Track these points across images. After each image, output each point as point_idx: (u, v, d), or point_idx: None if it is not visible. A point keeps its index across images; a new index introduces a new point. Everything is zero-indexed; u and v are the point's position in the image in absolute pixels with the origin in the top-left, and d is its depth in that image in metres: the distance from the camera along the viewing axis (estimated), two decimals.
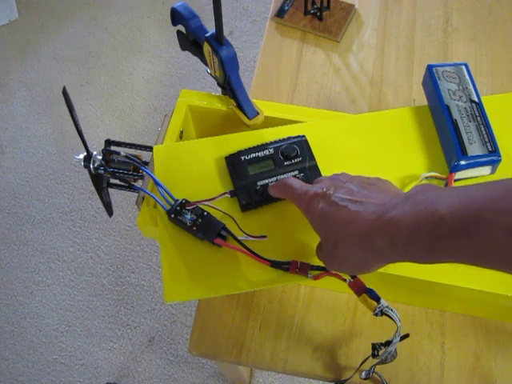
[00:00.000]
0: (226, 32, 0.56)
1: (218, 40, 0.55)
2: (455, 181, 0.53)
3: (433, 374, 0.58)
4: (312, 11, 0.85)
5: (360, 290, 0.46)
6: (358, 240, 0.38)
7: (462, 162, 0.51)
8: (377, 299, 0.46)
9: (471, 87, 0.55)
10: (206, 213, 0.50)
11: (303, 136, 0.55)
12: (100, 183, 0.62)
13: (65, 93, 0.48)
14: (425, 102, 0.59)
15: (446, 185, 0.51)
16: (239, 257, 0.49)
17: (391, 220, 0.36)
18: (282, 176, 0.52)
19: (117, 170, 0.58)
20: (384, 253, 0.37)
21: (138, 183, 0.57)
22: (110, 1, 1.92)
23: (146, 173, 0.54)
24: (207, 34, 0.56)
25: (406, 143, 0.56)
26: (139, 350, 1.32)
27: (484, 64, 0.80)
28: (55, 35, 1.85)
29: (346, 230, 0.39)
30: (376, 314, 0.46)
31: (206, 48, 0.57)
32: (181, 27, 0.61)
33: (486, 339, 0.59)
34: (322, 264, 0.48)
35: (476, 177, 0.53)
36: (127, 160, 0.57)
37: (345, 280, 0.47)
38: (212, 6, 0.51)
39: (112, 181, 0.62)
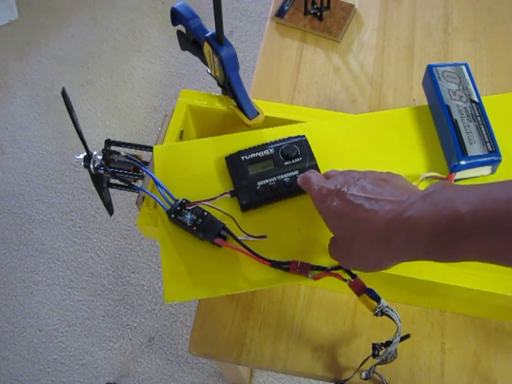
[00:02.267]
0: (226, 32, 0.56)
1: (218, 40, 0.55)
2: (455, 181, 0.53)
3: (433, 374, 0.58)
4: (312, 11, 0.85)
5: (360, 289, 0.46)
6: (375, 239, 0.38)
7: (462, 162, 0.51)
8: (377, 299, 0.46)
9: (471, 87, 0.55)
10: (206, 213, 0.50)
11: (303, 136, 0.55)
12: (100, 183, 0.62)
13: (64, 94, 0.48)
14: (425, 102, 0.59)
15: None
16: (239, 257, 0.49)
17: (409, 219, 0.36)
18: (282, 176, 0.52)
19: (117, 169, 0.58)
20: (402, 251, 0.37)
21: (138, 183, 0.57)
22: (110, 1, 1.92)
23: (146, 173, 0.54)
24: (207, 34, 0.56)
25: (406, 143, 0.56)
26: (139, 349, 1.32)
27: (484, 64, 0.80)
28: (55, 35, 1.85)
29: (362, 228, 0.39)
30: (376, 314, 0.46)
31: (206, 48, 0.57)
32: (181, 27, 0.61)
33: (486, 339, 0.59)
34: (322, 264, 0.48)
35: (476, 177, 0.53)
36: (127, 160, 0.57)
37: (345, 280, 0.46)
38: (212, 5, 0.51)
39: (112, 181, 0.62)
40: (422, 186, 0.52)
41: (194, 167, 0.55)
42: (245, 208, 0.51)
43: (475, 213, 0.32)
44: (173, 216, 0.50)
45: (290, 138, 0.55)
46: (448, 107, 0.53)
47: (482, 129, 0.52)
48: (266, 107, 0.60)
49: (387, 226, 0.37)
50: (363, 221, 0.38)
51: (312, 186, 0.45)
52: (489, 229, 0.31)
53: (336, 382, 0.58)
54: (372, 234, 0.38)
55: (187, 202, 0.50)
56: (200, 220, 0.49)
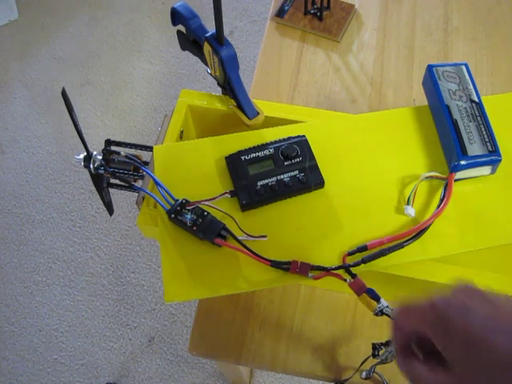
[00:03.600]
0: (226, 32, 0.56)
1: (218, 40, 0.55)
2: (455, 181, 0.52)
3: None
4: (312, 11, 0.85)
5: (360, 289, 0.46)
6: None
7: (462, 162, 0.51)
8: (377, 299, 0.45)
9: (471, 87, 0.55)
10: (206, 213, 0.50)
11: (303, 136, 0.55)
12: (100, 183, 0.62)
13: (64, 94, 0.48)
14: (425, 102, 0.59)
15: (447, 184, 0.51)
16: (239, 257, 0.49)
17: None
18: (282, 176, 0.52)
19: (117, 169, 0.58)
20: None
21: (138, 183, 0.57)
22: (110, 1, 1.93)
23: (146, 173, 0.54)
24: (207, 34, 0.56)
25: (406, 143, 0.56)
26: (139, 349, 1.32)
27: (484, 64, 0.80)
28: (55, 35, 1.85)
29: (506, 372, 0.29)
30: (376, 314, 0.46)
31: (206, 48, 0.57)
32: (181, 27, 0.61)
33: None
34: (322, 264, 0.48)
35: (476, 177, 0.53)
36: (127, 160, 0.57)
37: (345, 280, 0.46)
38: (212, 5, 0.51)
39: (112, 181, 0.62)
40: (422, 186, 0.52)
41: (194, 167, 0.55)
42: (245, 208, 0.51)
43: None
44: (173, 216, 0.50)
45: (290, 138, 0.55)
46: (448, 107, 0.53)
47: (482, 129, 0.52)
48: (266, 107, 0.60)
49: None
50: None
51: (417, 306, 0.34)
52: None
53: (336, 382, 0.58)
54: None
55: (187, 201, 0.50)
56: (200, 220, 0.49)
